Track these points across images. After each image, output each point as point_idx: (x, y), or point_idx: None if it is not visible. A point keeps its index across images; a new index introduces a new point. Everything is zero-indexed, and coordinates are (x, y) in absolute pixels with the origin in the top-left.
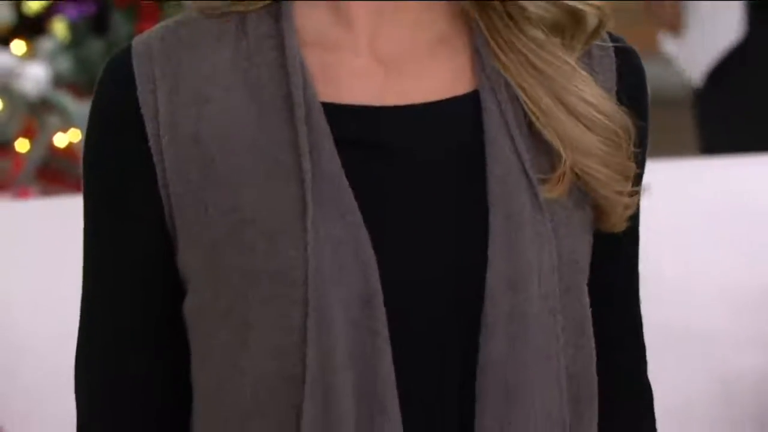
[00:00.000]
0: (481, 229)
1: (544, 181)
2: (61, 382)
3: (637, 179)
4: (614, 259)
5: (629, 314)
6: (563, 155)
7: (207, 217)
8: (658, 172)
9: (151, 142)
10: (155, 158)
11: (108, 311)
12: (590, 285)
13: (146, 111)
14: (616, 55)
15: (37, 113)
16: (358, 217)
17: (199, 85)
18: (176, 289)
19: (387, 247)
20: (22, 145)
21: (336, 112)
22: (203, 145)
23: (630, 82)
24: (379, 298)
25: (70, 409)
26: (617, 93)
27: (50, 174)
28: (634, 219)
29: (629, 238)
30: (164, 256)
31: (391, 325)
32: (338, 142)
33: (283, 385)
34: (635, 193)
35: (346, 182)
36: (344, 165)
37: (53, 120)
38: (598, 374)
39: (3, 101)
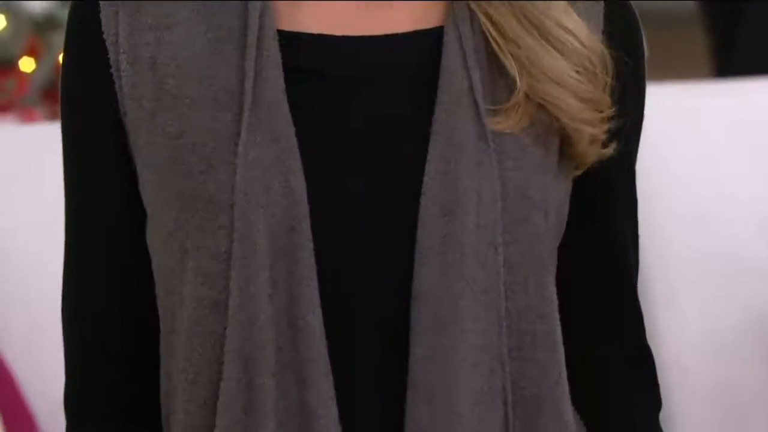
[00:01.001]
0: (421, 158)
1: (497, 113)
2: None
3: (621, 119)
4: (605, 218)
5: (625, 273)
6: (518, 84)
7: (154, 142)
8: (677, 96)
9: (113, 68)
10: (116, 84)
11: (84, 242)
12: (579, 242)
13: (108, 33)
14: (605, 2)
15: (42, 31)
16: (291, 142)
17: (161, 11)
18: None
19: (321, 175)
20: (26, 65)
21: (294, 40)
22: (159, 70)
23: (618, 22)
24: (305, 224)
25: None
26: (604, 33)
27: (56, 95)
28: (626, 169)
29: (622, 186)
30: (129, 190)
31: (321, 253)
32: (290, 70)
33: (211, 312)
34: (605, 124)
35: (286, 108)
36: (291, 92)
37: (59, 39)
38: (593, 341)
39: (7, 18)
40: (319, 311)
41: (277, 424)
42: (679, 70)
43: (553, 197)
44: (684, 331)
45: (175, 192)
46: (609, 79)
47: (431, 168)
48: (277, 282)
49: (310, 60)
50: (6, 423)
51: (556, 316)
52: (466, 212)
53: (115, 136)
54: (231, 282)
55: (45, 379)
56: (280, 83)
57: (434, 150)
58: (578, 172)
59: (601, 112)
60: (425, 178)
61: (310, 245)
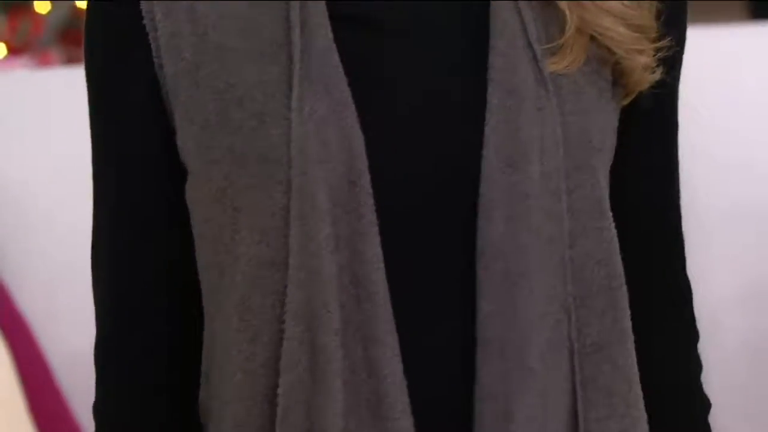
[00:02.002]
0: (480, 107)
1: (552, 53)
2: (80, 258)
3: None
4: (648, 145)
5: (671, 200)
6: (569, 19)
7: (199, 96)
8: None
9: (146, 18)
10: (150, 35)
11: (114, 202)
12: (621, 176)
13: None
14: None
15: None
16: (345, 94)
17: None
18: (181, 176)
19: (377, 126)
20: (42, 6)
21: None
22: (199, 21)
23: None
24: (366, 179)
25: (88, 286)
26: None
27: (73, 37)
28: (671, 94)
29: (668, 111)
30: (166, 143)
31: (381, 208)
32: (334, 18)
33: (269, 271)
34: (653, 50)
35: (336, 58)
36: (338, 41)
37: None
38: (637, 271)
39: None
40: (382, 268)
41: (343, 383)
42: (714, 14)
43: (608, 135)
44: (718, 281)
45: (225, 148)
46: (655, 3)
47: (492, 118)
48: (339, 238)
49: (356, 7)
50: (22, 375)
51: (616, 260)
52: (530, 161)
53: (147, 88)
54: (290, 239)
55: (62, 332)
56: (328, 33)
57: (493, 98)
58: (626, 102)
59: (650, 38)
60: (486, 129)
61: (371, 200)
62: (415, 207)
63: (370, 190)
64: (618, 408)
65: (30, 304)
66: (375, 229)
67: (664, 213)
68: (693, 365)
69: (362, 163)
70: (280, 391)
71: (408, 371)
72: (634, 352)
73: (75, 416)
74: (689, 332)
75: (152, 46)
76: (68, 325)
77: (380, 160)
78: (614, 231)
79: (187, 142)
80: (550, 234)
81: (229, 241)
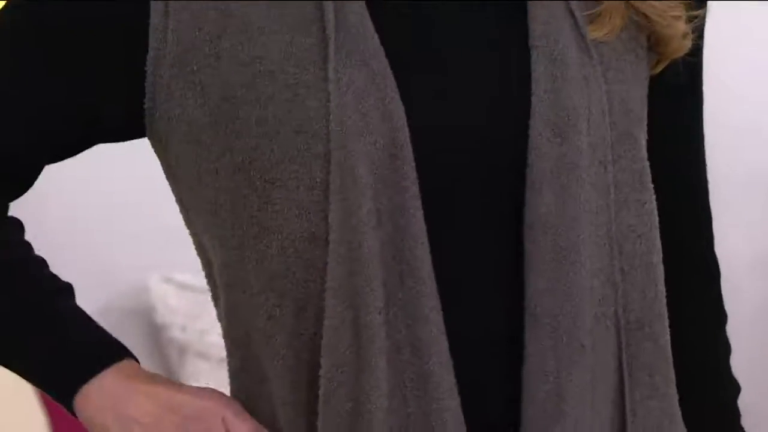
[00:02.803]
0: (523, 75)
1: (592, 20)
2: (79, 227)
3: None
4: (678, 115)
5: (696, 178)
6: None
7: (219, 68)
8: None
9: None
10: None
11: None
12: (651, 147)
13: None
14: None
15: None
16: (383, 64)
17: None
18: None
19: (416, 97)
20: None
21: None
22: None
23: None
24: (408, 151)
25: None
26: None
27: None
28: (696, 74)
29: (697, 79)
30: (77, 116)
31: (423, 181)
32: None
33: (308, 245)
34: (693, 20)
35: (371, 27)
36: (376, 14)
37: None
38: (674, 252)
39: None
40: (426, 243)
41: (387, 362)
42: None
43: (644, 104)
44: (732, 248)
45: (253, 120)
46: None
47: (538, 87)
48: (381, 213)
49: None
50: None
51: (655, 234)
52: (578, 131)
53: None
54: (330, 214)
55: None
56: (362, 4)
57: (538, 67)
58: (657, 71)
59: (686, 4)
60: (533, 99)
61: (414, 173)
62: (459, 180)
63: (413, 163)
64: (660, 387)
65: None
66: (418, 203)
67: (694, 185)
68: (721, 347)
69: (404, 135)
70: (322, 372)
71: (453, 350)
72: (668, 332)
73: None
74: (717, 313)
75: (149, 30)
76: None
77: (422, 132)
78: (655, 204)
79: (196, 114)
80: (598, 206)
81: (257, 213)
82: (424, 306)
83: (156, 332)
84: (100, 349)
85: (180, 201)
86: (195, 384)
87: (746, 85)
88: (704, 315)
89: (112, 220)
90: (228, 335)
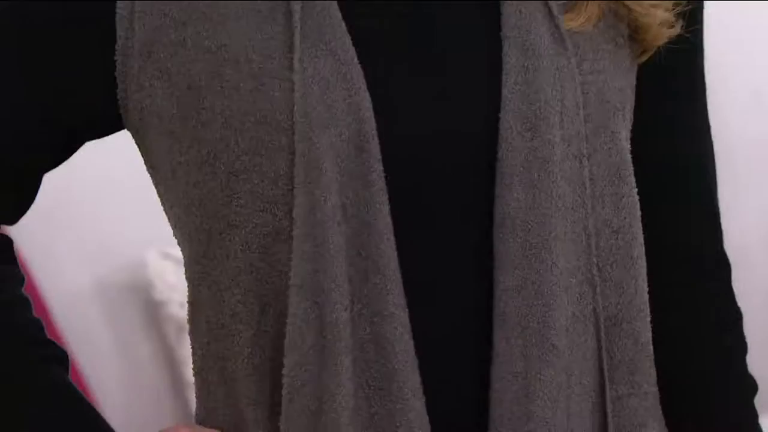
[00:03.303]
0: (494, 66)
1: (567, 10)
2: (78, 196)
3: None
4: (672, 104)
5: (697, 168)
6: None
7: (185, 55)
8: None
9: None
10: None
11: None
12: (645, 138)
13: None
14: None
15: None
16: (350, 54)
17: None
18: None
19: (384, 88)
20: None
21: None
22: None
23: None
24: (374, 144)
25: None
26: None
27: None
28: (695, 47)
29: (688, 77)
30: (58, 117)
31: (390, 175)
32: None
33: (272, 240)
34: (676, 8)
35: (338, 16)
36: (342, 2)
37: None
38: (664, 247)
39: None
40: (392, 238)
41: (352, 361)
42: None
43: (626, 95)
44: (744, 217)
45: (218, 110)
46: None
47: (509, 79)
48: (346, 207)
49: None
50: None
51: (635, 229)
52: (551, 125)
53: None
54: (295, 209)
55: (60, 271)
56: None
57: (510, 58)
58: (643, 59)
59: None
60: (504, 91)
61: (380, 167)
62: (426, 175)
63: (379, 156)
64: (641, 385)
65: (27, 243)
66: (384, 198)
67: (694, 175)
68: (736, 347)
69: (370, 127)
70: (285, 370)
71: (419, 349)
72: (650, 328)
73: (73, 355)
74: (729, 310)
75: (116, 17)
76: (63, 262)
77: (389, 124)
78: (635, 198)
79: (165, 104)
80: (573, 201)
81: (222, 207)
82: (389, 303)
83: (154, 309)
84: None
85: (159, 193)
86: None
87: (753, 52)
88: (714, 313)
89: (109, 194)
90: (192, 332)
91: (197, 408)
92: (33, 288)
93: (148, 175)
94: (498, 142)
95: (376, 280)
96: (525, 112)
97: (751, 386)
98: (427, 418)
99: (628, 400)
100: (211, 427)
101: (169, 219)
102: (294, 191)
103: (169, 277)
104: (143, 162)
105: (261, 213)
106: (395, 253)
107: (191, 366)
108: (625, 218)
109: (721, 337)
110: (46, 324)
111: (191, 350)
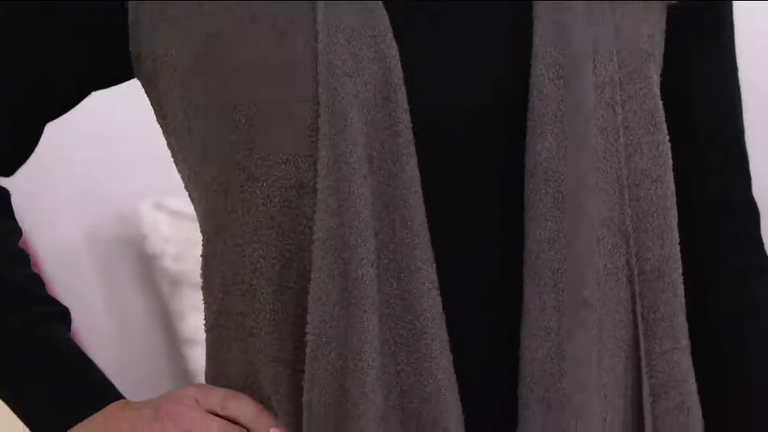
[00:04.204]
0: (526, 12)
1: None
2: (65, 145)
3: None
4: (703, 50)
5: (725, 115)
6: None
7: (202, 10)
8: None
9: None
10: None
11: None
12: (675, 86)
13: None
14: None
15: None
16: (377, 3)
17: None
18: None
19: (411, 37)
20: None
21: None
22: None
23: None
24: (401, 93)
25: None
26: None
27: None
28: (720, 6)
29: (717, 21)
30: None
31: (417, 126)
32: None
33: (295, 193)
34: None
35: None
36: None
37: None
38: (692, 195)
39: None
40: (419, 191)
41: (378, 317)
42: None
43: (657, 39)
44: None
45: (238, 62)
46: None
47: (541, 24)
48: (372, 159)
49: None
50: None
51: (670, 177)
52: (584, 72)
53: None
54: (319, 161)
55: (48, 220)
56: None
57: (541, 5)
58: (672, 2)
59: None
60: (535, 38)
61: (408, 117)
62: (455, 124)
63: (406, 106)
64: (681, 339)
65: (16, 194)
66: (412, 149)
67: (723, 122)
68: (765, 294)
69: (397, 76)
70: (309, 328)
71: (446, 306)
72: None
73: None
74: (761, 257)
75: None
76: (53, 213)
77: (416, 72)
78: (668, 145)
79: (180, 55)
80: (605, 150)
81: (243, 159)
82: (416, 258)
83: (147, 262)
84: (91, 394)
85: (169, 144)
86: (191, 318)
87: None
88: (742, 259)
89: (99, 143)
90: (205, 287)
91: (207, 365)
92: (23, 240)
93: (146, 114)
94: (529, 89)
95: (403, 235)
96: (557, 59)
97: None
98: (454, 376)
99: (671, 355)
100: (222, 386)
101: (180, 171)
102: (318, 143)
103: (163, 229)
104: (153, 113)
105: (283, 165)
106: (422, 207)
107: (186, 321)
108: (662, 166)
109: (748, 284)
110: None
111: (204, 306)
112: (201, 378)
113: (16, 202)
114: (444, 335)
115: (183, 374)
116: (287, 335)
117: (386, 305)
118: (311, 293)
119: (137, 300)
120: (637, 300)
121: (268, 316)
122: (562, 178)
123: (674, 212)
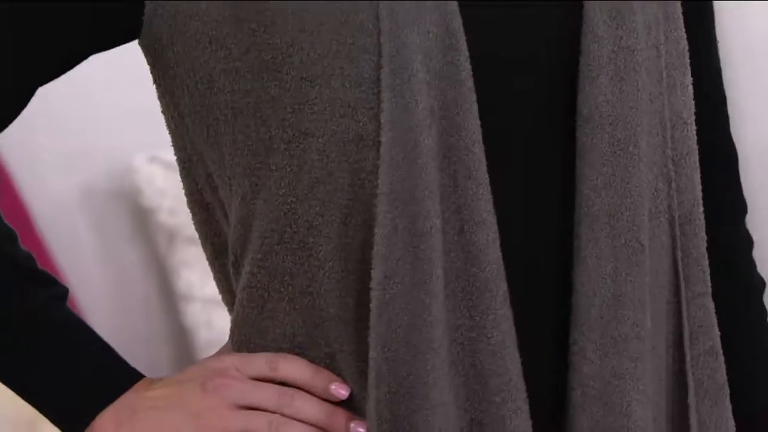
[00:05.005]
0: None
1: None
2: (58, 105)
3: None
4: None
5: (705, 60)
6: None
7: None
8: None
9: None
10: None
11: None
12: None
13: None
14: None
15: None
16: None
17: None
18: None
19: None
20: None
21: None
22: None
23: None
24: (462, 41)
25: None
26: None
27: None
28: None
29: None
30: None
31: (477, 74)
32: None
33: (355, 147)
34: None
35: None
36: None
37: None
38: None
39: None
40: (481, 140)
41: (444, 271)
42: None
43: None
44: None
45: (288, 13)
46: None
47: None
48: (434, 110)
49: None
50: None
51: (693, 120)
52: (634, 11)
53: None
54: (382, 113)
55: (44, 180)
56: None
57: None
58: None
59: None
60: None
61: (469, 65)
62: (511, 69)
63: (467, 53)
64: (708, 284)
65: (8, 151)
66: (473, 98)
67: (705, 68)
68: (745, 241)
69: (458, 23)
70: (373, 284)
71: (505, 256)
72: None
73: (58, 265)
74: (734, 202)
75: None
76: (46, 169)
77: (476, 20)
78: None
79: (213, 8)
80: (651, 92)
81: (290, 115)
82: (481, 209)
83: (142, 216)
84: (111, 378)
85: (174, 107)
86: (186, 271)
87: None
88: (727, 202)
89: (91, 96)
90: (238, 246)
91: (239, 327)
92: (15, 197)
93: (138, 68)
94: (582, 31)
95: (466, 185)
96: (611, 3)
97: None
98: (514, 328)
99: (702, 299)
100: (259, 347)
101: (187, 132)
102: (381, 95)
103: (158, 182)
104: (151, 74)
105: (341, 119)
106: (484, 158)
107: (183, 276)
108: (690, 108)
109: (739, 226)
110: (30, 234)
111: (231, 267)
112: (196, 335)
113: (8, 159)
114: (505, 287)
115: (179, 329)
116: (348, 292)
117: (448, 259)
118: (375, 248)
119: (132, 255)
120: (678, 244)
121: (327, 274)
122: (616, 121)
123: (698, 156)
